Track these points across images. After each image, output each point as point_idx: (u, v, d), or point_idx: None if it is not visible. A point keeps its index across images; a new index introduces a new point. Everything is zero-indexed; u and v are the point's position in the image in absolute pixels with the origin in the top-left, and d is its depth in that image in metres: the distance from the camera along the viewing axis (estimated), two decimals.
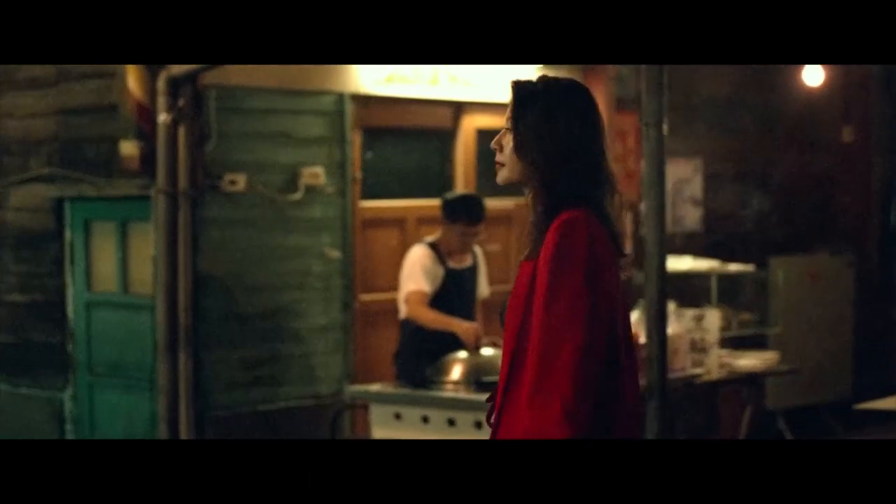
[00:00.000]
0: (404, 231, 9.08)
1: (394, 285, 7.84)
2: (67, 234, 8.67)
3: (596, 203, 3.45)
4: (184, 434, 8.00)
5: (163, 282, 7.98)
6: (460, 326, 7.31)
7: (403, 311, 7.64)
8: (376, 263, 8.95)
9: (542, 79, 3.54)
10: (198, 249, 8.01)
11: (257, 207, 8.27)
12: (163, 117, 7.95)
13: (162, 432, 8.04)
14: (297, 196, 8.39)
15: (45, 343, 8.78)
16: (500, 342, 3.75)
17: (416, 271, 7.60)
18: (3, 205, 8.95)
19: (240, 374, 8.23)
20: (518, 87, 3.53)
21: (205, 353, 8.06)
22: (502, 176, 3.56)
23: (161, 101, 7.95)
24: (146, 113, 8.02)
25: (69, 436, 8.66)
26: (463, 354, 7.17)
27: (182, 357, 7.99)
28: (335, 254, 8.59)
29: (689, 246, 10.08)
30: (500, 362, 7.26)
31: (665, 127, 7.18)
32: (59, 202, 8.66)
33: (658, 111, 7.13)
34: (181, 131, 7.96)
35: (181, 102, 7.94)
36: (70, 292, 8.67)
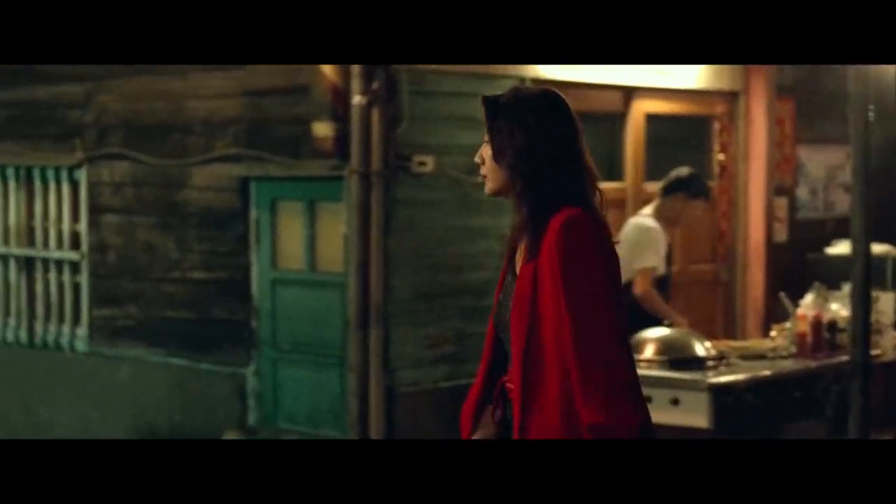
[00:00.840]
0: None
1: None
2: (253, 213, 8.82)
3: (584, 200, 3.55)
4: (373, 409, 8.19)
5: (355, 260, 8.16)
6: (679, 321, 7.40)
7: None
8: None
9: (513, 90, 3.73)
10: (388, 229, 8.19)
11: (445, 189, 8.42)
12: (357, 99, 8.11)
13: (352, 407, 8.23)
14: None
15: (228, 320, 8.96)
16: None
17: (653, 246, 7.56)
18: (187, 184, 9.13)
19: (425, 352, 8.40)
20: (488, 101, 3.71)
21: (393, 330, 8.24)
22: (488, 187, 3.72)
23: (355, 83, 8.12)
24: (340, 95, 8.20)
25: (251, 411, 8.85)
26: (656, 332, 7.26)
27: (373, 334, 8.17)
28: None
29: (839, 231, 10.20)
30: (686, 341, 7.35)
31: (871, 114, 7.34)
32: (245, 181, 8.82)
33: (864, 99, 7.29)
34: (374, 113, 8.13)
35: (375, 85, 8.10)
36: (255, 270, 8.83)
